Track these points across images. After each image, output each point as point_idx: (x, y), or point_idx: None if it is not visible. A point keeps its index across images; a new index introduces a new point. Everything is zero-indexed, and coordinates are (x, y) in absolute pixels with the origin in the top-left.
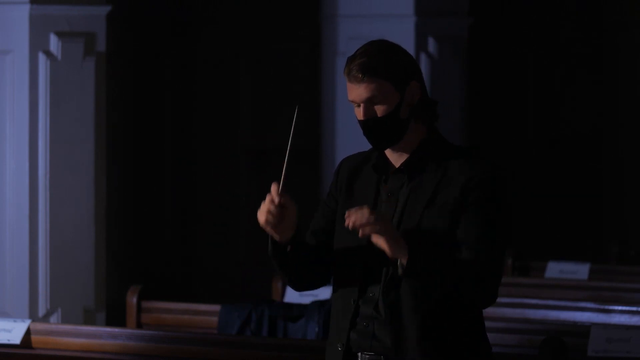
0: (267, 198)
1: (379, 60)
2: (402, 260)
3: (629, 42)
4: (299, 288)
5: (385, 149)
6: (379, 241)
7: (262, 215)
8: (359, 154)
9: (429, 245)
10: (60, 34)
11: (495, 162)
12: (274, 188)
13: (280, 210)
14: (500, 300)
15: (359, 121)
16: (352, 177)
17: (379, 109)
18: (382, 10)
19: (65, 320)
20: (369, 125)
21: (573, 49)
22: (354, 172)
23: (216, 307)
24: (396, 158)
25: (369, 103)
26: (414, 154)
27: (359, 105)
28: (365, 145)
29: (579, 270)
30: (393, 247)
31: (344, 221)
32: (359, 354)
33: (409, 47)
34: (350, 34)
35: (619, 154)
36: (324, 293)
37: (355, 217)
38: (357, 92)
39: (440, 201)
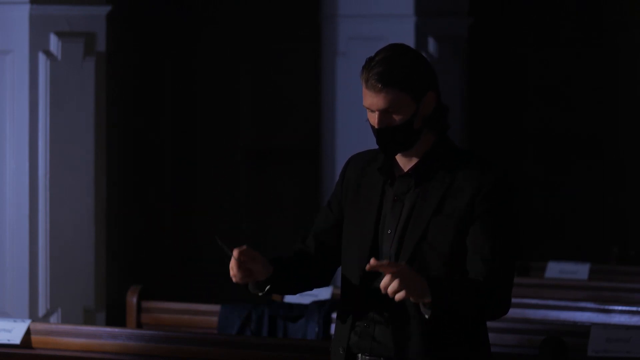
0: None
1: (399, 71)
2: (426, 301)
3: (629, 42)
4: (294, 293)
5: (395, 155)
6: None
7: (232, 274)
8: (367, 152)
9: (450, 278)
10: (60, 34)
11: (504, 167)
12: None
13: (243, 264)
14: None
15: (373, 128)
16: (359, 176)
17: (394, 119)
18: (382, 10)
19: (65, 320)
20: (383, 134)
21: (573, 49)
22: (361, 171)
23: (216, 307)
24: (405, 162)
25: (384, 112)
26: (423, 159)
27: (373, 111)
28: (365, 145)
29: (579, 270)
30: (417, 296)
31: (352, 222)
32: (359, 355)
33: None
34: (350, 34)
35: (619, 154)
36: (324, 293)
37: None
38: (374, 100)
39: (449, 209)
